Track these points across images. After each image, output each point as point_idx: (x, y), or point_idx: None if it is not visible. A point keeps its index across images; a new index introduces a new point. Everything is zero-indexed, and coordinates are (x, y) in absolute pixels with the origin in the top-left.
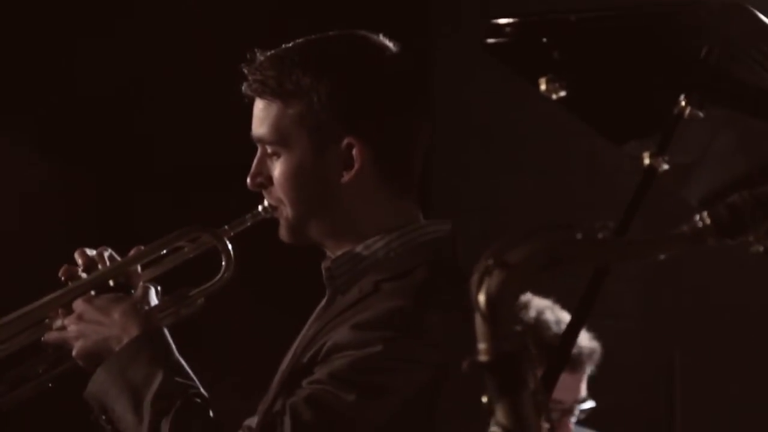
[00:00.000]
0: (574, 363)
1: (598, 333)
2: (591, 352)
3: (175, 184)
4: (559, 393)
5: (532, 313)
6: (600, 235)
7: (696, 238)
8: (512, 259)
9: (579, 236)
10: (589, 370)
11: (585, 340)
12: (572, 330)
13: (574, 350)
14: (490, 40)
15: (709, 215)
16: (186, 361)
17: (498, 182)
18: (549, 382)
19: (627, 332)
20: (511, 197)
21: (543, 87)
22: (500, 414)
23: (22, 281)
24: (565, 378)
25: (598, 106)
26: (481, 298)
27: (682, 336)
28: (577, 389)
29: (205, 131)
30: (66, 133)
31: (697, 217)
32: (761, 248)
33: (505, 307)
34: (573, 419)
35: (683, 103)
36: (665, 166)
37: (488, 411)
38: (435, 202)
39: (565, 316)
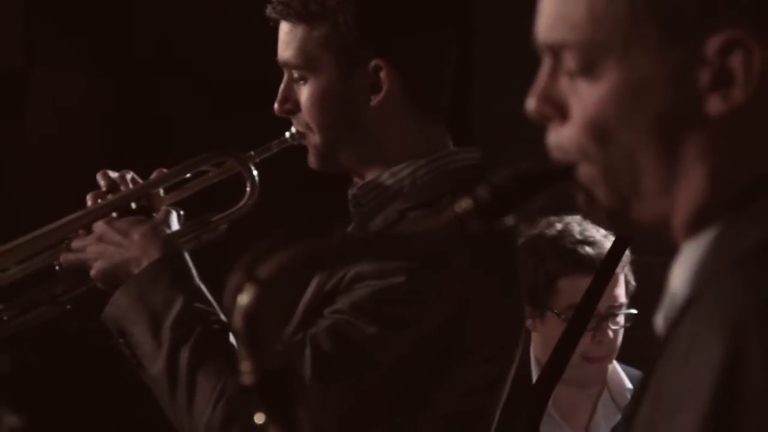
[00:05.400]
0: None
1: (639, 270)
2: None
3: (211, 99)
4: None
5: (559, 226)
6: (356, 235)
7: (460, 224)
8: (264, 273)
9: (334, 239)
10: (621, 276)
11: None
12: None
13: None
14: None
15: (471, 199)
16: (206, 288)
17: None
18: (593, 297)
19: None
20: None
21: None
22: None
23: (44, 200)
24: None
25: None
26: (237, 318)
27: None
28: (610, 294)
29: (245, 45)
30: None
31: (458, 202)
32: (526, 228)
33: (265, 323)
34: (616, 326)
35: None
36: None
37: None
38: (476, 131)
39: (593, 230)
